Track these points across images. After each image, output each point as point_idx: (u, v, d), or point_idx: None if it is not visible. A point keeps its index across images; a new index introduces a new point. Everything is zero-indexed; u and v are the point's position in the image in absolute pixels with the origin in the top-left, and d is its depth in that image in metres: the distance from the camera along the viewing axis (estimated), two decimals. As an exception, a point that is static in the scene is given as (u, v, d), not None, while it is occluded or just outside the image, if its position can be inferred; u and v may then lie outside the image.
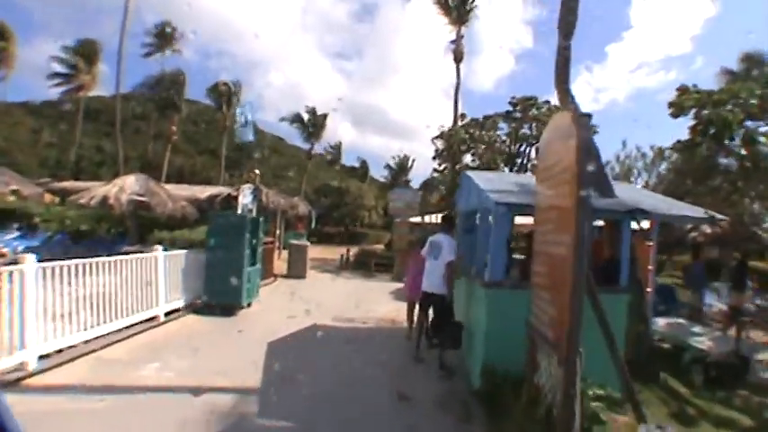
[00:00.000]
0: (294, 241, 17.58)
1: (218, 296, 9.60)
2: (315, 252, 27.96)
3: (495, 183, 7.20)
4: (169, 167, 47.28)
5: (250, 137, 21.65)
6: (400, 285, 13.76)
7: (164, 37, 46.66)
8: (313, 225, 37.25)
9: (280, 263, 17.46)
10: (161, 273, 8.62)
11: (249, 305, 10.44)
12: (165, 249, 9.24)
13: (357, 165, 67.17)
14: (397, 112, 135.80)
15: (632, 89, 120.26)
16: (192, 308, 9.62)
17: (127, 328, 7.66)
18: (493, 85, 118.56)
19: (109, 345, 6.91)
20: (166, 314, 8.79)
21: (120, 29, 29.26)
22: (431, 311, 7.42)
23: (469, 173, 8.84)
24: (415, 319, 8.29)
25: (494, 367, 5.61)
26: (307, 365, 6.83)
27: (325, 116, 48.22)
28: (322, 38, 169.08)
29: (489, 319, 5.77)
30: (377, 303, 12.33)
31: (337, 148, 63.61)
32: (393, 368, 7.08)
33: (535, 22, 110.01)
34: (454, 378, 6.75)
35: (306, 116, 47.77)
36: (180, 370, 6.24)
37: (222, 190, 23.73)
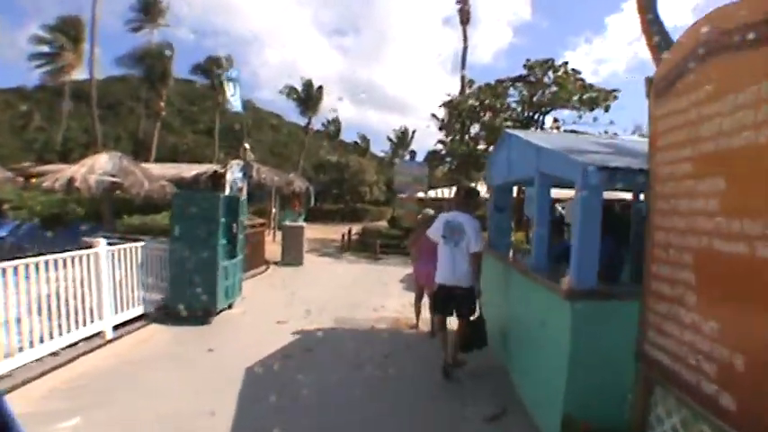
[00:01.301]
0: (288, 223, 15.45)
1: (186, 300, 7.47)
2: (314, 232, 25.99)
3: (559, 142, 5.14)
4: (161, 146, 45.44)
5: (239, 108, 19.46)
6: (410, 270, 11.71)
7: (150, 10, 43.97)
8: (312, 202, 35.59)
9: (275, 247, 15.44)
10: (105, 275, 6.52)
11: (230, 306, 8.42)
12: (122, 240, 7.45)
13: (357, 141, 65.10)
14: (395, 87, 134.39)
15: (632, 60, 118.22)
16: (155, 316, 7.55)
17: (54, 354, 5.58)
18: (492, 57, 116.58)
19: (19, 385, 4.80)
20: (117, 327, 6.72)
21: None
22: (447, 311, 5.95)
23: (516, 131, 6.72)
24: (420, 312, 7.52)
25: (578, 420, 3.67)
26: (294, 416, 4.63)
27: (320, 88, 46.01)
28: (317, 13, 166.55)
29: (576, 348, 3.71)
30: (386, 296, 10.30)
31: (335, 123, 61.31)
32: (424, 410, 5.00)
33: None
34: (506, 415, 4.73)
35: (300, 88, 45.57)
36: (108, 426, 4.22)
37: (211, 168, 21.76)
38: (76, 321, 6.03)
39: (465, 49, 26.81)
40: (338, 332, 7.57)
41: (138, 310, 7.28)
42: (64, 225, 14.87)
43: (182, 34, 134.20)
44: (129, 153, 43.52)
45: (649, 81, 3.28)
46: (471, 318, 5.81)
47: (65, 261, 5.95)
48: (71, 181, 12.14)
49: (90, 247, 6.49)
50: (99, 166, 12.51)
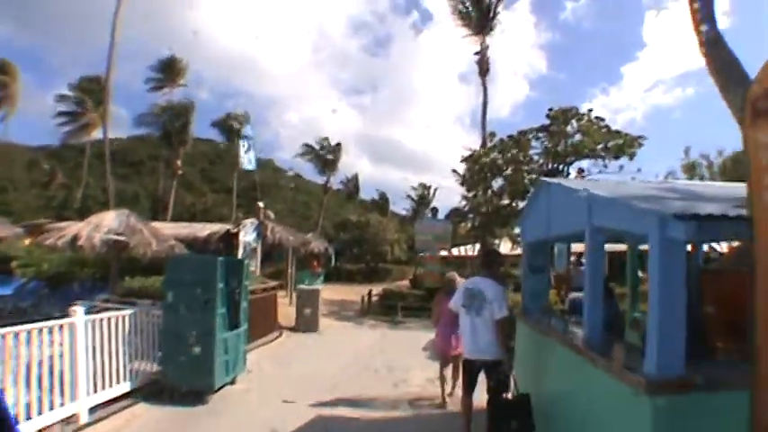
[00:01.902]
0: (304, 286, 14.50)
1: (179, 376, 6.57)
2: (333, 293, 25.04)
3: (615, 190, 4.27)
4: (179, 205, 45.28)
5: (251, 165, 19.07)
6: (433, 335, 10.73)
7: (169, 70, 44.53)
8: (332, 263, 34.75)
9: (290, 310, 14.42)
10: (82, 348, 5.68)
11: (233, 382, 7.48)
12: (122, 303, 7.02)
13: (376, 198, 64.63)
14: (413, 144, 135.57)
15: (649, 108, 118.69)
16: (146, 392, 6.62)
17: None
18: (509, 111, 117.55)
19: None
20: (95, 409, 5.81)
21: (108, 57, 26.68)
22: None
23: (556, 180, 5.87)
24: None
25: None
26: None
27: (338, 146, 45.88)
28: (335, 74, 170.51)
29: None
30: (409, 368, 9.17)
31: (354, 180, 61.04)
32: None
33: (548, 47, 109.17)
34: None
35: (317, 146, 45.50)
36: None
37: (223, 227, 21.16)
38: (51, 402, 5.21)
39: (485, 102, 26.20)
40: (352, 416, 6.50)
41: (124, 387, 6.39)
42: (68, 285, 14.32)
43: (203, 95, 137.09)
44: (147, 211, 43.58)
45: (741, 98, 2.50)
46: (503, 395, 5.20)
47: (40, 331, 5.17)
48: (75, 239, 11.67)
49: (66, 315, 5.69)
50: (105, 224, 11.90)
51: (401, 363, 9.60)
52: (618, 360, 3.18)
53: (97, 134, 43.75)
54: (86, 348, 5.76)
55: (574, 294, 10.34)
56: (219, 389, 7.01)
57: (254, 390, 7.47)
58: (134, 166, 69.73)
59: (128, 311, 6.61)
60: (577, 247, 10.06)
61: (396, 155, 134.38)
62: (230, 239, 19.28)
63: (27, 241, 19.57)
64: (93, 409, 5.80)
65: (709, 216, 2.74)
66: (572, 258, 11.69)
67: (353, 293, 21.84)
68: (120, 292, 10.82)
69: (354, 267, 38.36)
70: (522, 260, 6.74)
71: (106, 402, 6.04)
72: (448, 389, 7.08)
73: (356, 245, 38.36)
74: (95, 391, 5.89)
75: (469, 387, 5.45)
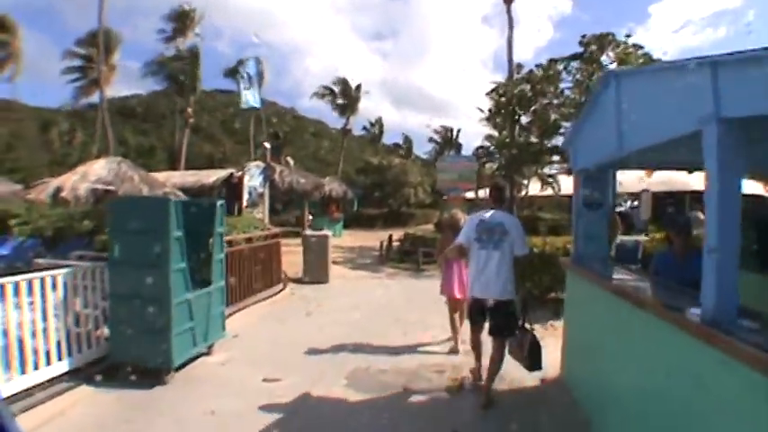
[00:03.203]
0: (310, 232, 12.97)
1: (130, 351, 5.17)
2: (353, 239, 23.75)
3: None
4: (199, 156, 44.09)
5: (253, 103, 17.32)
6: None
7: (181, 20, 42.19)
8: (354, 207, 33.32)
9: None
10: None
11: (209, 351, 6.13)
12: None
13: (400, 142, 62.65)
14: (436, 89, 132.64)
15: (678, 50, 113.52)
16: (91, 373, 5.23)
17: None
18: (533, 55, 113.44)
19: None
20: (18, 396, 4.43)
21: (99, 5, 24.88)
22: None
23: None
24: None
25: None
26: None
27: (358, 87, 43.80)
28: (356, 19, 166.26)
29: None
30: (428, 328, 7.66)
31: (378, 124, 59.00)
32: None
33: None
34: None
35: (336, 89, 43.44)
36: None
37: (227, 172, 19.80)
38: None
39: (510, 32, 23.73)
40: (348, 403, 4.98)
41: (61, 367, 4.98)
42: (66, 241, 13.23)
43: (222, 48, 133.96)
44: (164, 162, 42.25)
45: None
46: (516, 335, 4.89)
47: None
48: (58, 190, 10.66)
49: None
50: (93, 173, 10.97)
51: (420, 321, 8.06)
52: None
53: (111, 90, 42.28)
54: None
55: (623, 238, 8.68)
56: (189, 362, 5.63)
57: (233, 361, 6.03)
58: (155, 120, 68.77)
59: (62, 270, 5.13)
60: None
61: (419, 100, 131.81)
62: (235, 184, 17.90)
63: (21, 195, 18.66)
64: (13, 397, 4.41)
65: None
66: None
67: (374, 239, 20.23)
68: (98, 247, 9.53)
69: (376, 212, 36.95)
70: (574, 193, 5.03)
71: (34, 387, 4.66)
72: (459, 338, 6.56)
73: (378, 189, 36.76)
74: (12, 374, 4.49)
75: (479, 325, 5.20)
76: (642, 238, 9.55)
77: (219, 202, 6.27)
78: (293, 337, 7.10)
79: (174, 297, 5.10)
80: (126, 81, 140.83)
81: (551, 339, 6.81)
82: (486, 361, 5.09)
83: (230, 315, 7.96)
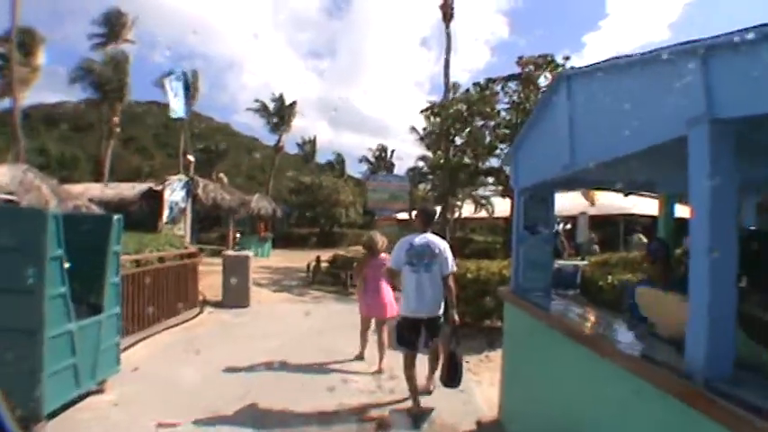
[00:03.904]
0: (231, 252, 12.14)
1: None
2: (280, 259, 22.88)
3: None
4: (126, 168, 42.23)
5: (180, 113, 16.36)
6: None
7: (113, 25, 40.23)
8: (285, 226, 32.42)
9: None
10: None
11: (101, 389, 5.26)
12: None
13: (332, 160, 62.04)
14: (372, 109, 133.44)
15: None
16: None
17: None
18: (469, 79, 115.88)
19: None
20: None
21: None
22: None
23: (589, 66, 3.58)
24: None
25: None
26: None
27: (293, 104, 43.04)
28: (294, 36, 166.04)
29: None
30: (353, 359, 7.08)
31: (311, 143, 58.29)
32: None
33: (511, 12, 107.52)
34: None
35: (271, 105, 42.54)
36: None
37: (146, 186, 18.70)
38: None
39: (448, 50, 23.49)
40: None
41: None
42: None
43: (157, 58, 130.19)
44: (88, 174, 40.00)
45: None
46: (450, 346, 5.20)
47: None
48: None
49: None
50: None
51: (344, 351, 7.40)
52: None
53: (37, 95, 39.86)
54: None
55: (561, 263, 8.33)
56: (75, 402, 4.78)
57: (126, 401, 5.16)
58: (83, 130, 65.57)
59: None
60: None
61: (354, 120, 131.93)
62: (157, 199, 16.82)
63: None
64: None
65: None
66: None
67: (303, 259, 19.37)
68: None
69: (308, 232, 36.21)
70: (515, 215, 4.52)
71: None
72: (376, 365, 6.60)
73: (309, 208, 35.98)
74: None
75: (410, 350, 5.25)
76: (580, 262, 9.24)
77: (116, 217, 5.44)
78: (201, 369, 6.29)
79: (48, 329, 4.25)
80: (54, 87, 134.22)
81: (487, 373, 6.33)
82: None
83: (133, 345, 7.13)
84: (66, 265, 4.45)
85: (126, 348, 6.59)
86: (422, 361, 5.51)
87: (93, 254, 5.21)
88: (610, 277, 7.27)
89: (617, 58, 2.50)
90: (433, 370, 5.58)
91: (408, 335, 5.23)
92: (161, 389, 5.57)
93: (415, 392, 5.24)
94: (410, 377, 5.25)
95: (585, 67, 2.87)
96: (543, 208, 4.41)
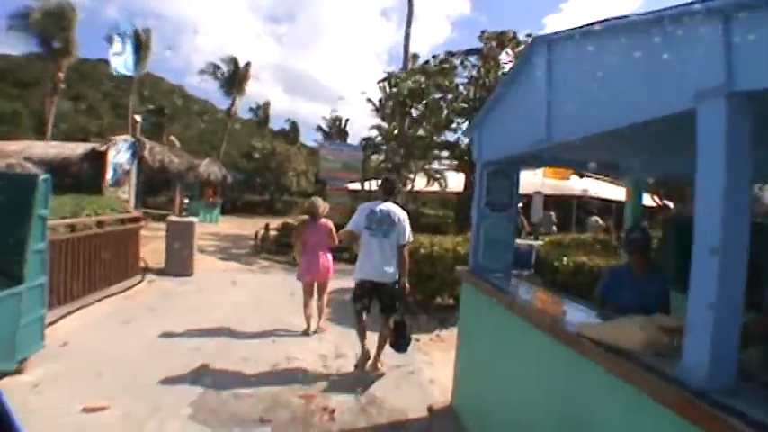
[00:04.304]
0: (175, 218, 11.61)
1: None
2: (229, 226, 22.37)
3: None
4: (73, 127, 40.49)
5: (124, 69, 15.46)
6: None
7: None
8: (235, 192, 31.69)
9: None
10: None
11: (21, 369, 4.74)
12: None
13: (287, 128, 60.73)
14: (330, 77, 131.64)
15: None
16: None
17: None
18: (428, 52, 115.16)
19: None
20: None
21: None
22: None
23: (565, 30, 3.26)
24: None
25: None
26: None
27: (247, 65, 41.76)
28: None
29: None
30: (298, 333, 6.84)
31: (264, 107, 56.85)
32: None
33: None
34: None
35: (225, 67, 41.18)
36: None
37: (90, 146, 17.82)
38: None
39: (410, 14, 22.95)
40: None
41: None
42: None
43: (111, 13, 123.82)
44: (29, 131, 38.00)
45: None
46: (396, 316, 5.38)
47: None
48: None
49: None
50: None
51: (292, 322, 7.16)
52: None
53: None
54: None
55: (517, 241, 8.16)
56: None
57: (50, 382, 4.65)
58: (27, 85, 62.10)
59: None
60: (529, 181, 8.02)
61: (311, 87, 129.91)
62: (100, 161, 15.98)
63: None
64: None
65: None
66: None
67: (252, 227, 18.91)
68: None
69: (258, 199, 35.55)
70: (477, 191, 4.24)
71: None
72: (314, 325, 6.95)
73: (260, 175, 35.25)
74: None
75: (363, 309, 5.48)
76: (535, 242, 9.15)
77: (43, 177, 4.93)
78: (136, 344, 5.88)
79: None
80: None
81: (439, 353, 6.14)
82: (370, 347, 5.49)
83: (64, 316, 6.62)
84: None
85: (55, 321, 6.10)
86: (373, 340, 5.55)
87: (14, 217, 4.72)
88: (565, 259, 7.18)
89: (608, 19, 2.21)
90: (381, 347, 5.51)
91: (362, 294, 5.46)
92: (91, 366, 5.10)
93: (363, 341, 5.50)
94: (361, 329, 5.51)
95: (570, 29, 2.57)
96: (507, 184, 4.16)
